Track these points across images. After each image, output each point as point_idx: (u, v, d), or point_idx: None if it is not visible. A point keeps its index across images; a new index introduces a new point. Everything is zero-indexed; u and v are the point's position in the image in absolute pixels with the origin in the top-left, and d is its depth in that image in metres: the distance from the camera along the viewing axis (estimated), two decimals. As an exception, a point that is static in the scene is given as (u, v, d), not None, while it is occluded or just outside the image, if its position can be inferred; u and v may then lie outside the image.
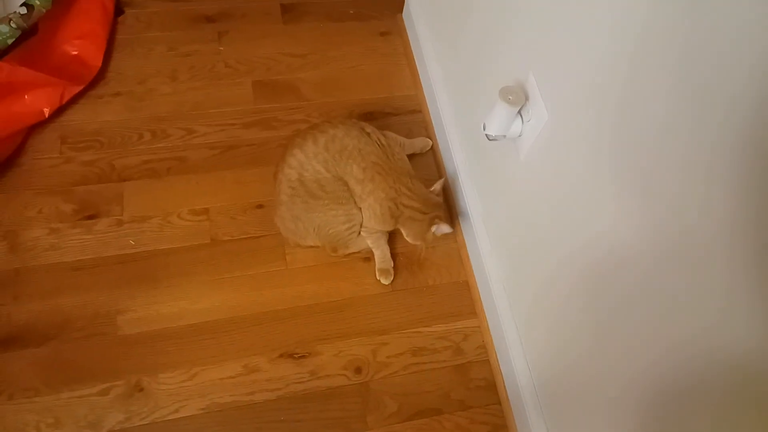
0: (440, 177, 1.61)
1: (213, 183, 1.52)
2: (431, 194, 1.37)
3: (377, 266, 1.45)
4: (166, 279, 1.39)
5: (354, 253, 1.47)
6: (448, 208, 1.55)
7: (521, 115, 1.07)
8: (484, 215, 1.41)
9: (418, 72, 1.75)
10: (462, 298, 1.46)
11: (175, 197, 1.49)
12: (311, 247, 1.44)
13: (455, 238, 1.53)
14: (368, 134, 1.38)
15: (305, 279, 1.43)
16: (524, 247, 1.23)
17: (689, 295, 0.70)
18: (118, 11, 1.77)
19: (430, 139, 1.66)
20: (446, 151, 1.58)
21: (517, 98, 1.02)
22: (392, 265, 1.46)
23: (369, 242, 1.45)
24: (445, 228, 1.33)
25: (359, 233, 1.43)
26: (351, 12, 1.89)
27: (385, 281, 1.44)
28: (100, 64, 1.62)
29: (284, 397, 1.29)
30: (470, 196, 1.47)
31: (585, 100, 0.86)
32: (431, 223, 1.33)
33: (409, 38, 1.81)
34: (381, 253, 1.46)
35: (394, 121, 1.69)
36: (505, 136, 1.09)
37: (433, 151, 1.66)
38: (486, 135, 1.10)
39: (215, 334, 1.34)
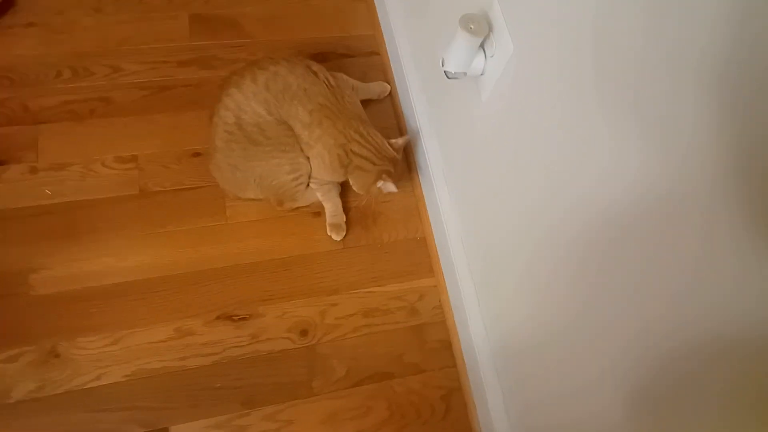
0: (399, 124, 1.48)
1: (143, 127, 1.36)
2: (386, 145, 1.24)
3: (328, 221, 1.33)
4: (88, 234, 1.23)
5: (302, 207, 1.34)
6: (406, 162, 1.43)
7: (484, 50, 0.95)
8: (444, 166, 1.30)
9: (375, 8, 1.59)
10: (418, 256, 1.36)
11: (99, 143, 1.32)
12: (253, 200, 1.31)
13: (413, 191, 1.42)
14: (315, 73, 1.23)
15: (248, 234, 1.30)
16: (485, 199, 1.12)
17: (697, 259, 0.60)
18: (33, -71, 1.54)
19: (389, 84, 1.52)
20: (405, 97, 1.44)
21: (480, 28, 0.89)
22: (344, 220, 1.34)
23: (319, 195, 1.32)
24: (390, 186, 1.21)
25: (307, 185, 1.30)
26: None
27: (336, 237, 1.33)
28: (9, -12, 1.41)
29: (221, 362, 1.18)
30: (430, 146, 1.35)
31: (557, 24, 0.74)
32: (378, 177, 1.21)
33: (367, -29, 1.64)
34: (332, 207, 1.34)
35: (349, 63, 1.54)
36: (465, 73, 0.97)
37: (392, 97, 1.52)
38: (445, 72, 0.97)
39: (144, 294, 1.20)
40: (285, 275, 1.28)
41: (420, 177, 1.41)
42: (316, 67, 1.24)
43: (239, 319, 1.22)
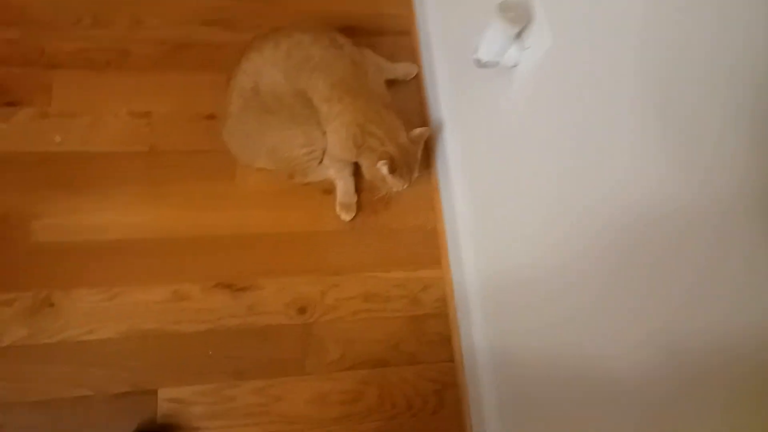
0: (421, 110, 1.43)
1: (159, 84, 1.32)
2: (401, 131, 1.18)
3: (338, 199, 1.30)
4: (93, 185, 1.21)
5: (313, 182, 1.31)
6: (425, 151, 1.39)
7: (519, 40, 0.90)
8: (463, 158, 1.26)
9: (410, -13, 1.53)
10: (427, 246, 1.32)
11: (113, 95, 1.29)
12: (263, 170, 1.27)
13: (429, 180, 1.38)
14: (341, 46, 1.19)
15: (255, 204, 1.27)
16: (502, 196, 1.09)
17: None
18: None
19: (416, 65, 1.48)
20: (431, 81, 1.40)
21: (519, 16, 0.84)
22: (355, 200, 1.31)
23: (331, 172, 1.29)
24: (384, 170, 1.12)
25: (321, 161, 1.27)
26: None
27: (345, 217, 1.29)
28: (37, -76, 1.36)
29: (215, 330, 1.16)
30: (451, 136, 1.31)
31: (601, 22, 0.70)
32: (380, 157, 1.13)
33: (405, -53, 1.58)
34: (344, 185, 1.30)
35: (378, 41, 1.49)
36: (498, 62, 0.92)
37: (417, 79, 1.47)
38: (476, 59, 0.92)
39: (144, 252, 1.18)
40: (288, 250, 1.25)
41: (437, 166, 1.37)
42: (342, 40, 1.20)
43: (238, 289, 1.20)
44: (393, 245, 1.31)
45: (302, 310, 1.21)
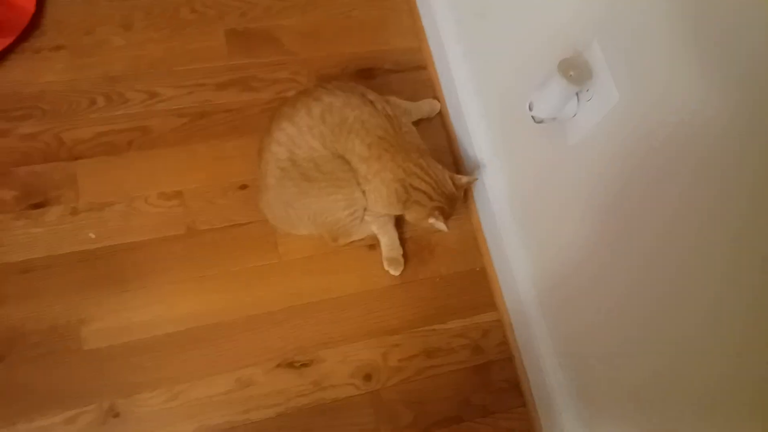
0: (451, 147, 1.39)
1: (184, 159, 1.28)
2: (447, 179, 1.15)
3: (384, 255, 1.27)
4: (135, 279, 1.17)
5: (357, 240, 1.27)
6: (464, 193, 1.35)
7: (577, 93, 0.86)
8: (509, 195, 1.22)
9: (420, 18, 1.48)
10: (479, 289, 1.30)
11: (140, 178, 1.24)
12: (305, 235, 1.23)
13: (470, 220, 1.35)
14: (372, 102, 1.15)
15: (301, 273, 1.23)
16: (557, 237, 1.06)
17: None
18: (51, -62, 1.42)
19: (438, 100, 1.43)
20: (458, 117, 1.36)
21: (580, 75, 0.81)
22: (401, 253, 1.27)
23: (374, 228, 1.25)
24: (440, 225, 1.13)
25: (362, 218, 1.23)
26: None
27: (394, 272, 1.26)
28: (33, 8, 1.30)
29: (286, 413, 1.13)
30: (490, 172, 1.27)
31: (669, 76, 0.66)
32: (431, 213, 1.13)
33: (410, -24, 1.53)
34: (388, 240, 1.27)
35: (396, 79, 1.45)
36: (555, 118, 0.89)
37: (441, 115, 1.43)
38: (532, 117, 0.89)
39: (199, 343, 1.15)
40: (343, 315, 1.22)
41: (477, 203, 1.34)
42: (372, 96, 1.16)
43: (300, 365, 1.16)
44: (445, 293, 1.28)
45: (368, 378, 1.18)
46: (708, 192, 0.67)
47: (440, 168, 1.16)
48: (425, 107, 1.41)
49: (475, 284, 1.30)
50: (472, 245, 1.33)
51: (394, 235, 1.27)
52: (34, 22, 1.31)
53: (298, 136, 1.12)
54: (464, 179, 1.16)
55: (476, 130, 1.29)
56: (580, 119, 0.88)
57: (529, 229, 1.16)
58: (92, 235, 1.18)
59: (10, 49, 1.27)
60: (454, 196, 1.16)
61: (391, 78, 1.45)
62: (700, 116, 0.65)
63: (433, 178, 1.14)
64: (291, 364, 1.16)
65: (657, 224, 0.77)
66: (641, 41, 0.72)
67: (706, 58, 0.63)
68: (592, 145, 0.88)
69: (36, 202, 1.18)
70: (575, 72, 0.80)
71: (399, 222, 1.28)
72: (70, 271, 1.15)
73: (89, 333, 1.11)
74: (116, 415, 1.07)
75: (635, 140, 0.78)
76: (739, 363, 0.69)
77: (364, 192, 1.18)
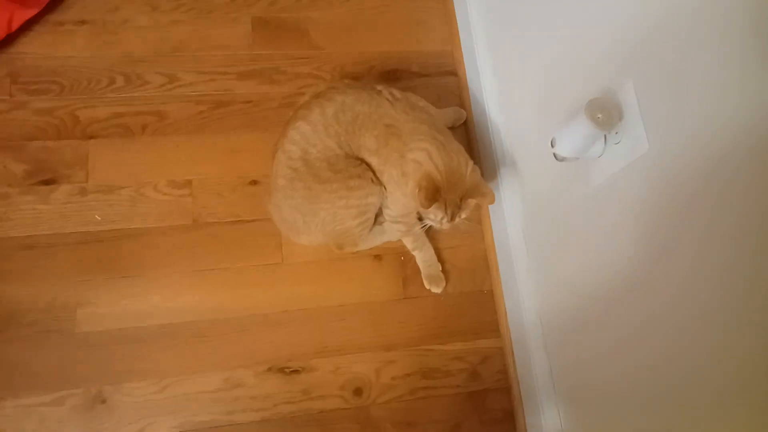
0: (473, 158, 1.32)
1: (198, 149, 1.25)
2: (463, 161, 1.03)
3: (423, 272, 1.23)
4: (136, 266, 1.16)
5: (363, 250, 1.23)
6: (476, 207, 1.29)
7: (605, 135, 0.80)
8: (523, 222, 1.17)
9: (457, 23, 1.42)
10: (485, 312, 1.25)
11: (152, 163, 1.23)
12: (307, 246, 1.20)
13: (483, 237, 1.30)
14: (379, 92, 1.10)
15: (303, 277, 1.21)
16: (567, 274, 1.01)
17: None
18: None
19: (464, 110, 1.37)
20: (483, 128, 1.30)
21: (609, 119, 0.74)
22: (440, 269, 1.24)
23: (408, 243, 1.22)
24: (421, 199, 0.97)
25: (371, 228, 1.19)
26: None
27: (436, 289, 1.23)
28: (60, -21, 1.29)
29: (270, 419, 1.11)
30: (508, 193, 1.22)
31: (707, 129, 0.60)
32: (418, 183, 0.98)
33: (449, -25, 1.46)
34: (425, 255, 1.23)
35: (422, 83, 1.39)
36: (578, 158, 0.83)
37: (466, 126, 1.37)
38: (554, 154, 0.83)
39: (193, 339, 1.13)
40: (340, 325, 1.19)
41: (492, 221, 1.28)
42: (380, 86, 1.11)
43: (291, 372, 1.14)
44: (449, 313, 1.24)
45: (358, 392, 1.15)
46: (725, 256, 0.61)
47: (461, 148, 1.06)
48: (450, 115, 1.35)
49: (480, 307, 1.25)
50: (483, 265, 1.28)
51: (430, 250, 1.23)
52: (62, -5, 1.30)
53: (313, 134, 1.08)
54: (484, 187, 1.05)
55: (500, 148, 1.23)
56: (605, 161, 0.82)
57: (541, 260, 1.11)
58: (98, 218, 1.17)
59: (33, 21, 1.25)
60: (463, 180, 1.03)
61: (417, 81, 1.39)
62: (733, 172, 0.59)
63: (441, 142, 1.03)
64: (282, 370, 1.14)
65: (673, 280, 0.72)
66: (679, 87, 0.66)
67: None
68: (616, 189, 0.82)
69: (46, 178, 1.18)
70: (603, 115, 0.74)
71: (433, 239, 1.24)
72: (72, 252, 1.15)
73: (84, 316, 1.11)
74: (103, 401, 1.07)
75: (659, 191, 0.72)
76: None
77: (378, 193, 1.12)
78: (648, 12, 0.70)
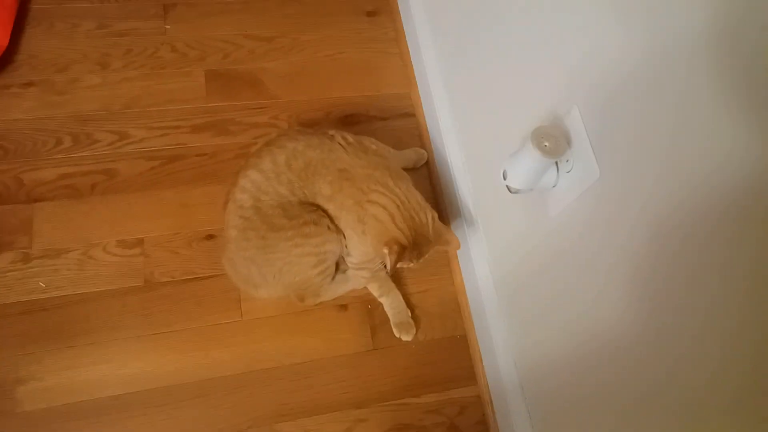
0: (437, 201, 1.30)
1: (150, 205, 1.20)
2: (423, 210, 1.01)
3: (392, 320, 1.17)
4: (84, 334, 1.08)
5: (326, 301, 1.18)
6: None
7: (557, 163, 0.77)
8: (490, 262, 1.12)
9: (412, 64, 1.42)
10: (459, 359, 1.18)
11: (101, 224, 1.17)
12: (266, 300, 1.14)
13: (453, 279, 1.25)
14: (331, 137, 1.07)
15: (264, 334, 1.14)
16: (541, 313, 0.95)
17: None
18: (36, -27, 1.39)
19: (425, 150, 1.35)
20: (444, 169, 1.27)
21: (556, 146, 0.72)
22: (410, 315, 1.18)
23: (373, 289, 1.17)
24: (388, 261, 0.97)
25: (333, 277, 1.14)
26: (331, -17, 1.54)
27: (406, 337, 1.17)
28: (6, 42, 1.26)
29: (232, 495, 1.02)
30: (471, 235, 1.18)
31: (657, 150, 0.57)
32: (386, 243, 0.96)
33: (402, 20, 1.47)
34: (393, 302, 1.18)
35: (381, 126, 1.38)
36: (532, 189, 0.79)
37: (428, 166, 1.34)
38: (507, 187, 0.80)
39: (146, 408, 1.05)
40: (306, 384, 1.12)
41: (461, 265, 1.24)
42: (333, 131, 1.09)
43: (254, 440, 1.06)
44: (421, 362, 1.17)
45: (328, 457, 1.07)
46: (705, 276, 0.57)
47: (420, 198, 1.03)
48: (411, 156, 1.33)
49: (454, 354, 1.19)
50: (454, 309, 1.22)
51: (398, 295, 1.18)
52: (7, 57, 1.27)
53: (265, 182, 1.04)
54: (449, 235, 1.03)
55: (462, 186, 1.20)
56: (561, 191, 0.79)
57: (510, 299, 1.06)
58: (42, 284, 1.11)
59: (-23, 85, 1.22)
60: (426, 234, 1.01)
61: (377, 125, 1.37)
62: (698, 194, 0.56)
63: (400, 198, 1.01)
64: (244, 438, 1.06)
65: (644, 307, 0.67)
66: (624, 111, 0.63)
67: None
68: (575, 218, 0.78)
69: (-14, 246, 1.12)
70: (550, 143, 0.71)
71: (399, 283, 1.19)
72: (13, 324, 1.07)
73: (26, 393, 1.03)
74: (44, 489, 0.97)
75: (620, 217, 0.68)
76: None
77: (336, 241, 1.08)
78: (598, 47, 0.69)
